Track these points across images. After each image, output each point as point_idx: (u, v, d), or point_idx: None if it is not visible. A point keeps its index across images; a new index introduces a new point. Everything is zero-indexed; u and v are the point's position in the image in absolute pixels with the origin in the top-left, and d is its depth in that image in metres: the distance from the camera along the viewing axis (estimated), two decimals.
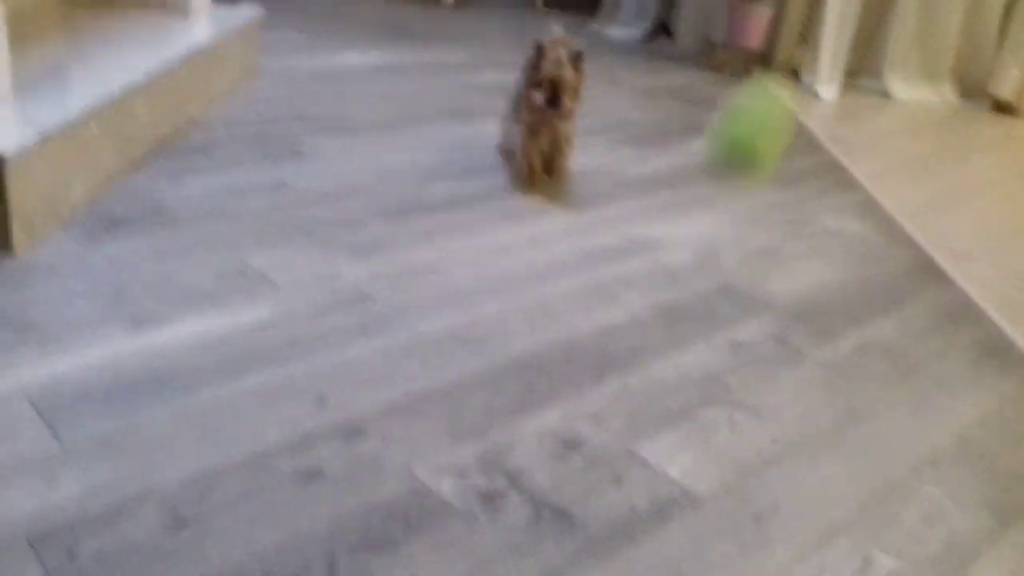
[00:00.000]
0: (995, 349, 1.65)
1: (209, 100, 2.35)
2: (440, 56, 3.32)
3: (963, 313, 1.78)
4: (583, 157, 2.40)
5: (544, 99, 1.96)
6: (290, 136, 2.25)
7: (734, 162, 0.98)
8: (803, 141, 2.82)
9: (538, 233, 1.89)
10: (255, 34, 2.69)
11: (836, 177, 2.52)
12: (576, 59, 1.97)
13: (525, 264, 1.74)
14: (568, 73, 1.95)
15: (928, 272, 1.95)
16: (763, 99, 1.01)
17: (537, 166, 2.10)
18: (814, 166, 2.60)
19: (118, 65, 1.94)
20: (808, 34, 3.57)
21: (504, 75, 3.16)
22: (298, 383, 1.28)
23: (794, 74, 3.62)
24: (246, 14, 2.62)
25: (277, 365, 1.31)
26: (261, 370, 1.29)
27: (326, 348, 1.37)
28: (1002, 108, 3.50)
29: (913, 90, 3.57)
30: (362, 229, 1.78)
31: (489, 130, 2.43)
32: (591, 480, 1.17)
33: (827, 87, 3.43)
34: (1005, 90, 3.50)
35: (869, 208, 2.30)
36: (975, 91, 3.60)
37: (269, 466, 1.11)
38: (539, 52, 1.97)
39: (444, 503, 1.09)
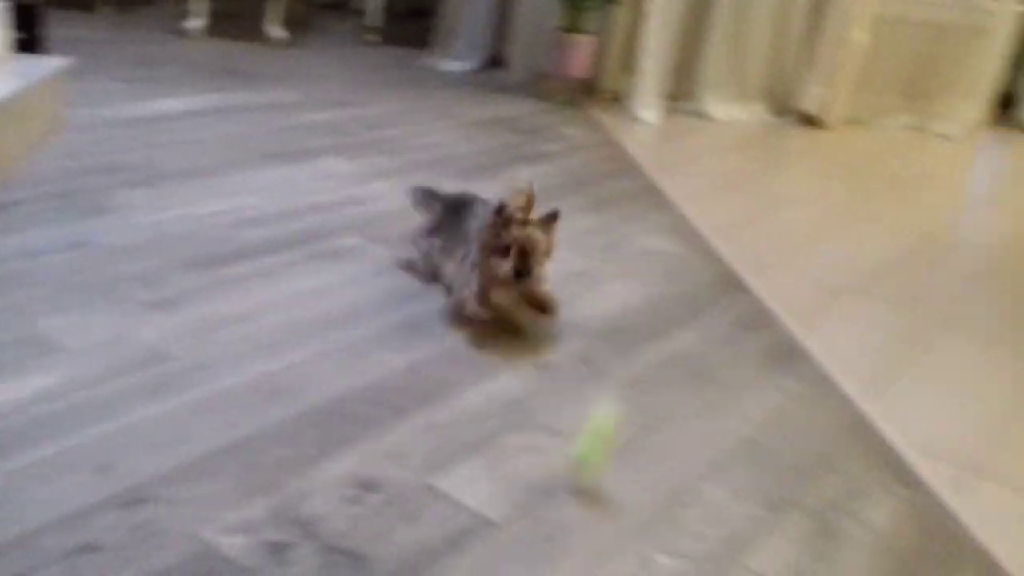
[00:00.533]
0: (783, 352, 1.77)
1: (10, 157, 2.25)
2: (268, 96, 3.29)
3: (757, 320, 1.90)
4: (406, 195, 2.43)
5: (512, 268, 1.62)
6: (97, 191, 2.18)
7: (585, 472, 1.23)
8: (623, 165, 2.95)
9: (354, 273, 1.90)
10: (62, 85, 2.60)
11: (652, 199, 2.64)
12: (549, 220, 1.67)
13: (339, 306, 1.75)
14: (539, 235, 1.64)
15: (729, 284, 2.07)
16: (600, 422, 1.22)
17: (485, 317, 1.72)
18: (632, 189, 2.72)
19: None
20: (630, 62, 3.74)
21: (335, 113, 3.18)
22: (79, 454, 1.24)
23: (618, 100, 3.78)
24: (51, 64, 2.53)
25: (57, 437, 1.26)
26: (36, 445, 1.24)
27: (113, 414, 1.33)
28: (809, 122, 3.77)
29: (729, 110, 3.79)
30: (166, 284, 1.74)
31: (317, 169, 2.43)
32: (386, 520, 1.18)
33: (649, 111, 3.60)
34: (810, 105, 3.77)
35: (680, 227, 2.43)
36: (784, 108, 3.86)
37: (37, 547, 1.07)
38: (502, 213, 1.63)
39: (229, 562, 1.08)
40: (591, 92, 3.79)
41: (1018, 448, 1.50)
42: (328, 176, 2.50)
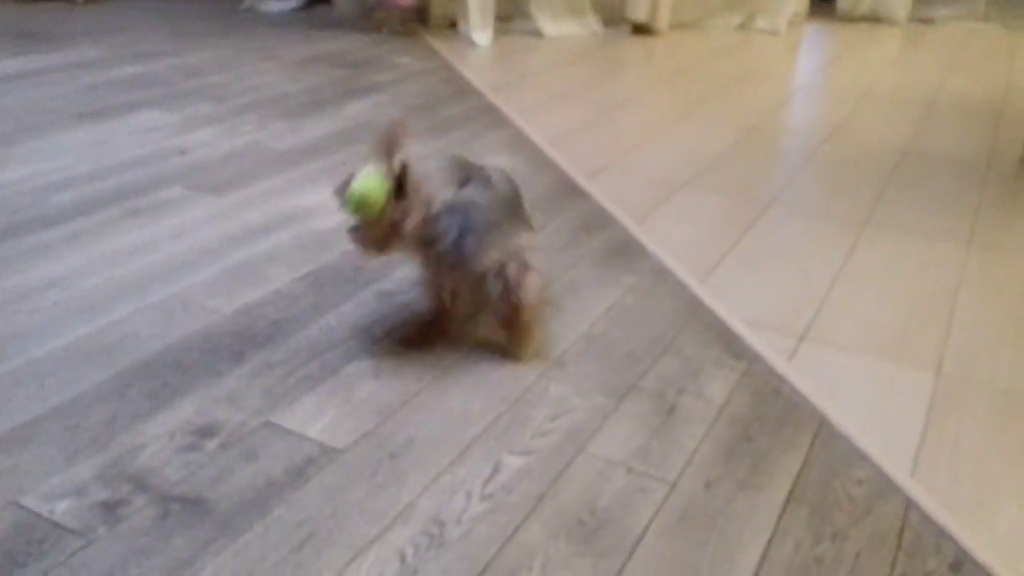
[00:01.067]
0: (620, 249, 1.80)
1: None
2: (73, 55, 3.06)
3: (596, 223, 1.92)
4: (234, 139, 2.33)
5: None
6: None
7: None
8: (458, 89, 2.91)
9: (180, 225, 1.81)
10: None
11: (489, 118, 2.62)
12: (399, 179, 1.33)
13: (162, 260, 1.66)
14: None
15: (568, 191, 2.09)
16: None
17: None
18: (468, 111, 2.68)
19: None
20: None
21: (150, 65, 2.99)
22: None
23: (452, 25, 3.71)
24: None
25: None
26: None
27: None
28: (640, 30, 3.81)
29: (561, 26, 3.79)
30: None
31: (134, 124, 2.29)
32: (225, 462, 1.15)
33: (481, 34, 3.55)
34: (640, 13, 3.80)
35: (518, 141, 2.42)
36: (615, 18, 3.88)
37: None
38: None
39: (57, 527, 1.02)
40: (423, 20, 3.71)
41: (844, 311, 1.59)
42: (146, 130, 2.36)
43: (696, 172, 2.23)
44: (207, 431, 1.20)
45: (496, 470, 1.16)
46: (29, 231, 1.74)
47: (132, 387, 1.28)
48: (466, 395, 1.31)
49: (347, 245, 1.76)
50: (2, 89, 2.66)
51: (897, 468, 1.19)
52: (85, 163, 2.10)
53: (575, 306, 1.57)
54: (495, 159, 2.27)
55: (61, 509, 1.05)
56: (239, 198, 1.96)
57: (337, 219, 1.88)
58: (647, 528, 1.07)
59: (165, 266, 1.64)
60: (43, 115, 2.43)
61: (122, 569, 0.97)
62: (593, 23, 3.87)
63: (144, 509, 1.06)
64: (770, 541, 1.06)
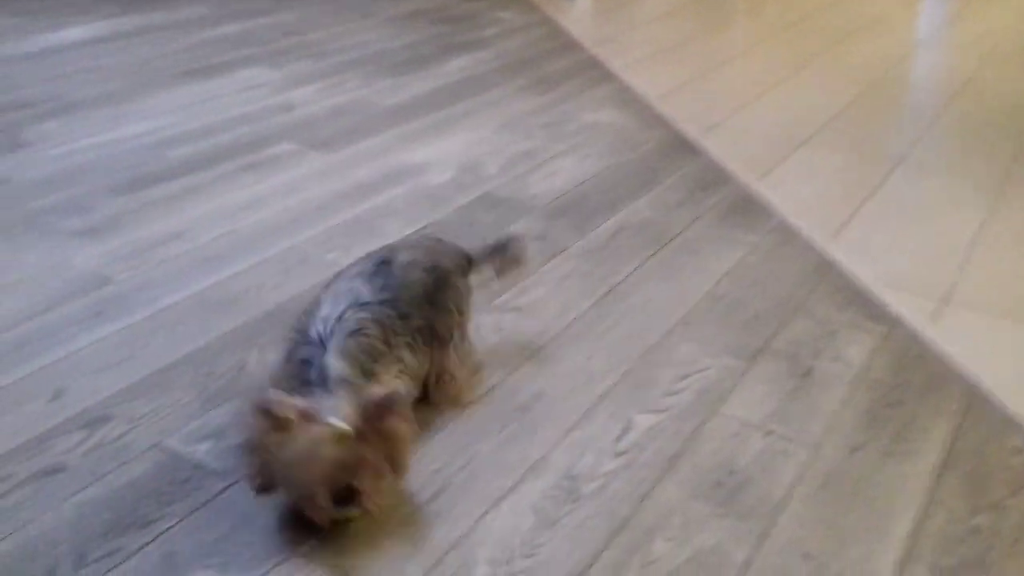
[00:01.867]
0: (741, 207, 1.73)
1: None
2: (173, 15, 3.10)
3: (712, 180, 1.86)
4: (339, 95, 2.33)
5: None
6: (9, 127, 2.04)
7: None
8: (560, 43, 2.85)
9: (291, 180, 1.82)
10: None
11: (593, 73, 2.56)
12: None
13: (278, 214, 1.67)
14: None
15: (679, 148, 2.03)
16: None
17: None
18: (572, 66, 2.63)
19: None
20: None
21: (251, 22, 3.02)
22: (29, 384, 1.18)
23: None
24: None
25: (4, 371, 1.20)
26: None
27: (60, 342, 1.27)
28: None
29: None
30: (94, 211, 1.65)
31: (238, 81, 2.31)
32: None
33: None
34: None
35: (624, 97, 2.36)
36: None
37: (3, 473, 1.02)
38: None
39: (199, 467, 1.04)
40: None
41: (987, 274, 1.50)
42: (251, 87, 2.38)
43: (816, 128, 2.13)
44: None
45: (627, 428, 1.13)
46: (150, 185, 1.77)
47: (259, 336, 1.30)
48: (588, 353, 1.28)
49: (460, 200, 1.75)
50: (112, 48, 2.72)
51: None
52: (196, 120, 2.13)
53: (695, 265, 1.52)
54: (599, 115, 2.22)
55: (203, 450, 1.07)
56: (349, 154, 1.96)
57: (449, 175, 1.87)
58: (790, 492, 1.03)
59: (281, 221, 1.65)
60: (152, 73, 2.48)
61: (265, 514, 0.98)
62: None
63: None
64: (923, 510, 1.01)
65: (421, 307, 1.10)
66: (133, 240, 1.55)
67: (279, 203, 1.72)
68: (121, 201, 1.69)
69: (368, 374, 1.00)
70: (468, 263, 1.22)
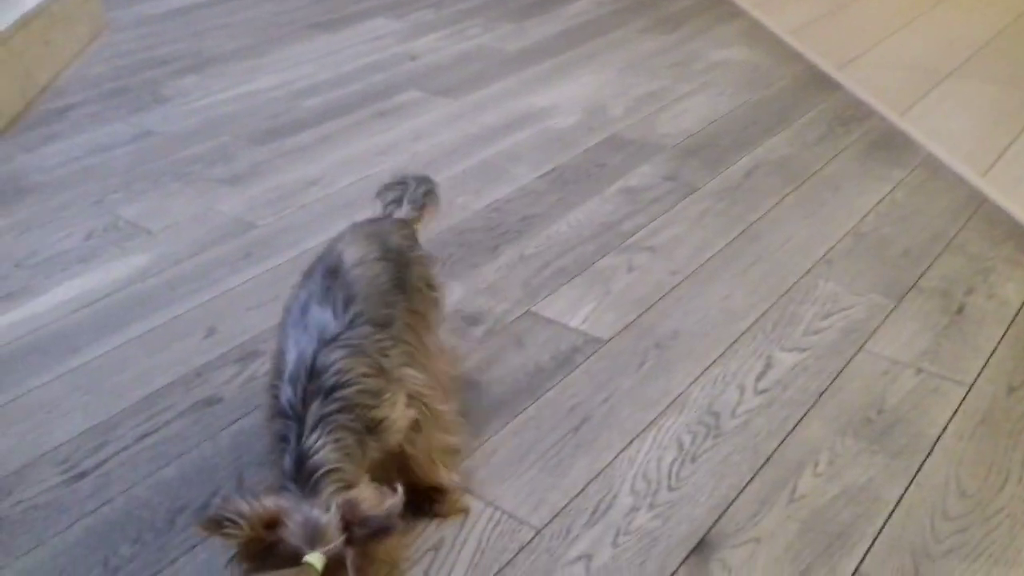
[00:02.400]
0: (884, 142, 1.65)
1: (58, 63, 2.23)
2: None
3: (852, 115, 1.77)
4: (462, 42, 2.33)
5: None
6: (150, 83, 2.15)
7: None
8: None
9: (421, 126, 1.84)
10: None
11: (720, 10, 2.48)
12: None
13: (411, 159, 1.70)
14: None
15: (816, 83, 1.94)
16: None
17: None
18: (696, 5, 2.54)
19: None
20: None
21: None
22: (185, 322, 1.25)
23: None
24: None
25: (161, 309, 1.27)
26: (145, 317, 1.26)
27: (210, 282, 1.33)
28: None
29: None
30: (235, 161, 1.72)
31: (365, 31, 2.35)
32: (494, 348, 1.16)
33: None
34: None
35: (754, 34, 2.27)
36: None
37: (164, 404, 1.09)
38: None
39: None
40: None
41: None
42: (377, 37, 2.41)
43: (963, 59, 2.00)
44: (473, 319, 1.22)
45: (768, 366, 1.10)
46: (286, 135, 1.83)
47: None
48: (726, 291, 1.25)
49: (587, 142, 1.74)
50: (243, 4, 2.81)
51: None
52: (326, 71, 2.18)
53: (837, 202, 1.46)
54: (729, 52, 2.14)
55: None
56: (474, 100, 1.96)
57: (574, 118, 1.86)
58: (944, 430, 0.99)
59: (411, 166, 1.67)
60: (282, 27, 2.55)
61: None
62: None
63: None
64: None
65: (395, 302, 0.90)
66: (273, 187, 1.61)
67: (409, 149, 1.74)
68: (260, 150, 1.76)
69: (372, 428, 0.80)
70: (409, 227, 1.03)
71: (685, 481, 0.94)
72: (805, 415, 1.02)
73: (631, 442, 1.00)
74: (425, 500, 0.91)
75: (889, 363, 1.10)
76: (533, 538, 0.89)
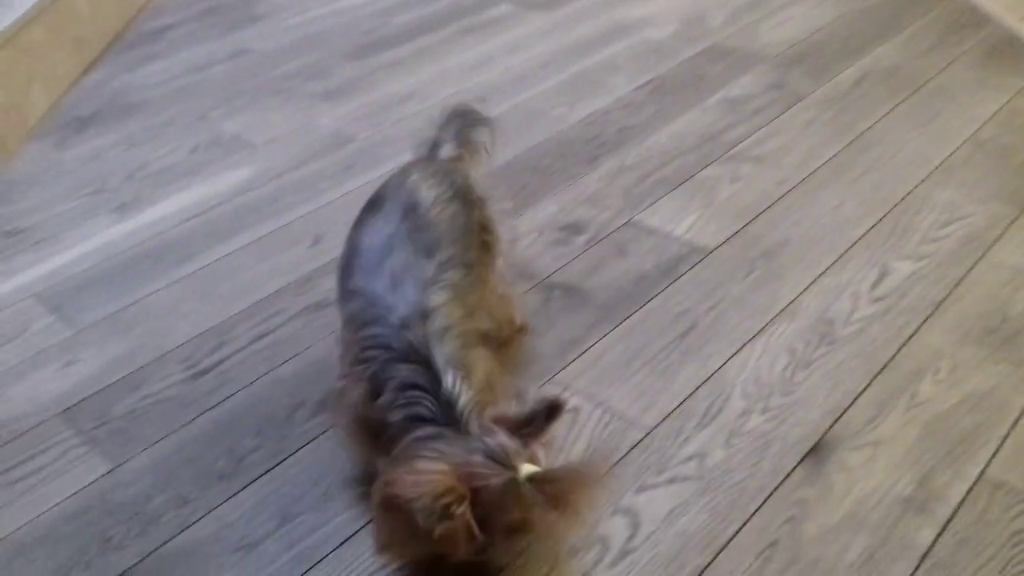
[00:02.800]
0: (1001, 49, 1.56)
1: None
2: None
3: (966, 21, 1.67)
4: None
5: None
6: (244, 1, 2.16)
7: None
8: None
9: (514, 40, 1.81)
10: None
11: None
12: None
13: (504, 73, 1.68)
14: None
15: None
16: None
17: None
18: None
19: None
20: None
21: None
22: (291, 231, 1.27)
23: None
24: None
25: (267, 219, 1.30)
26: (252, 227, 1.28)
27: (314, 193, 1.35)
28: None
29: None
30: (331, 76, 1.73)
31: None
32: (596, 257, 1.16)
33: None
34: None
35: None
36: None
37: (276, 308, 1.12)
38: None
39: None
40: None
41: None
42: None
43: None
44: (574, 228, 1.22)
45: (883, 274, 1.07)
46: (380, 50, 1.82)
47: (495, 189, 1.32)
48: (836, 200, 1.22)
49: (685, 53, 1.68)
50: None
51: None
52: None
53: (952, 111, 1.39)
54: None
55: None
56: (567, 12, 1.92)
57: (671, 28, 1.80)
58: None
59: (506, 79, 1.65)
60: None
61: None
62: None
63: (528, 293, 1.10)
64: None
65: (471, 244, 0.88)
66: (369, 101, 1.62)
67: (502, 62, 1.72)
68: (355, 65, 1.76)
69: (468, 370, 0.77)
70: (461, 164, 1.02)
71: (799, 386, 0.93)
72: (924, 323, 0.99)
73: (740, 348, 0.99)
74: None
75: (1012, 272, 1.05)
76: (644, 438, 0.89)
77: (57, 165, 1.50)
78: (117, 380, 1.02)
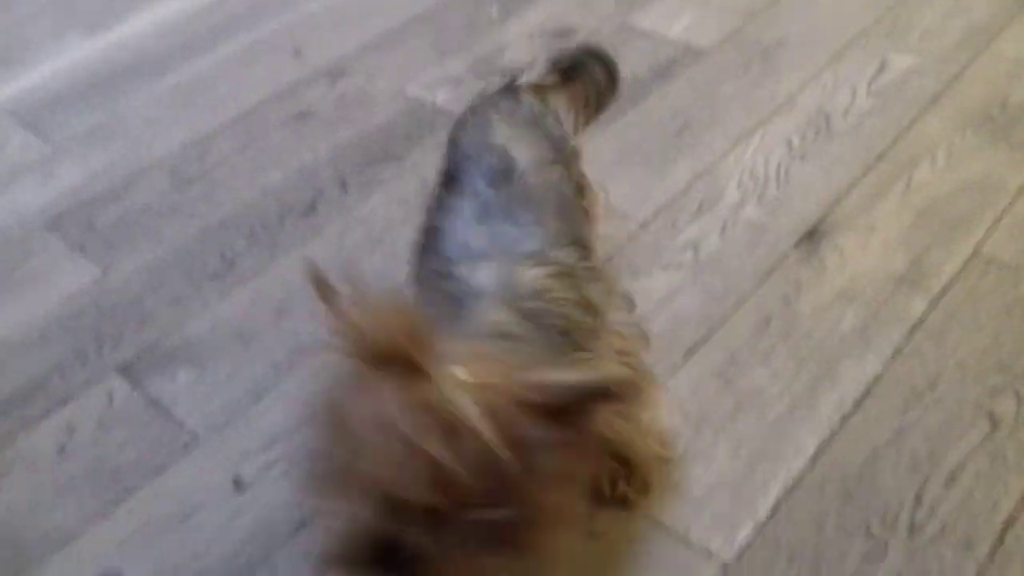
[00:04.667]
0: None
1: None
2: None
3: None
4: None
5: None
6: None
7: None
8: None
9: None
10: None
11: None
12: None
13: None
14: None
15: None
16: None
17: None
18: None
19: None
20: None
21: None
22: (272, 41, 1.22)
23: None
24: None
25: (246, 30, 1.24)
26: (231, 38, 1.23)
27: (294, 4, 1.29)
28: None
29: None
30: None
31: None
32: None
33: None
34: None
35: None
36: None
37: (259, 118, 1.09)
38: None
39: (441, 110, 1.06)
40: None
41: None
42: None
43: None
44: (565, 32, 1.17)
45: (882, 68, 1.04)
46: None
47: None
48: None
49: None
50: None
51: None
52: None
53: None
54: None
55: (442, 96, 1.09)
56: None
57: None
58: None
59: None
60: None
61: None
62: None
63: None
64: None
65: (577, 215, 0.68)
66: None
67: None
68: None
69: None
70: (544, 95, 0.77)
71: (794, 178, 0.92)
72: (922, 115, 0.98)
73: (736, 144, 0.97)
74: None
75: (1013, 63, 1.03)
76: (637, 229, 0.89)
77: None
78: (101, 191, 1.00)
